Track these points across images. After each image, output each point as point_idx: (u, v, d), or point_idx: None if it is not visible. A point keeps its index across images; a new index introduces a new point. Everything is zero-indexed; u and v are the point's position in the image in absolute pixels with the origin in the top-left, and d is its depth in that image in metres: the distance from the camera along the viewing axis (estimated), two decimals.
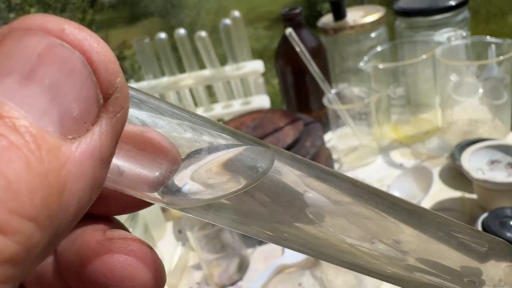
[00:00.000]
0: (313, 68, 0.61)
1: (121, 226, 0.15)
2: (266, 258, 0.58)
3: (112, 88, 0.10)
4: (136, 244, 0.13)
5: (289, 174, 0.14)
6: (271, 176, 0.13)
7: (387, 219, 0.14)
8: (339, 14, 0.77)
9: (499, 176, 0.54)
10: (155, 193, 0.12)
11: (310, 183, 0.14)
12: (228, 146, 0.13)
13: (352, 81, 0.83)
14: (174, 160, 0.12)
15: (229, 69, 0.79)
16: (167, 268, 0.60)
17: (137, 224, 0.57)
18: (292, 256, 0.56)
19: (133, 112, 0.12)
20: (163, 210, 0.69)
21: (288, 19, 0.73)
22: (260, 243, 0.61)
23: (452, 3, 0.73)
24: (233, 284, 0.56)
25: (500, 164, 0.56)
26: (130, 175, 0.12)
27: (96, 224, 0.14)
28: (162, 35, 0.76)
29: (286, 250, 0.57)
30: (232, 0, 5.25)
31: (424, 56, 0.66)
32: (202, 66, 0.82)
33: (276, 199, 0.14)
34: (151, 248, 0.14)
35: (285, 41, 0.76)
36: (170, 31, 0.79)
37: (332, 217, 0.14)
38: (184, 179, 0.13)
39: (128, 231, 0.14)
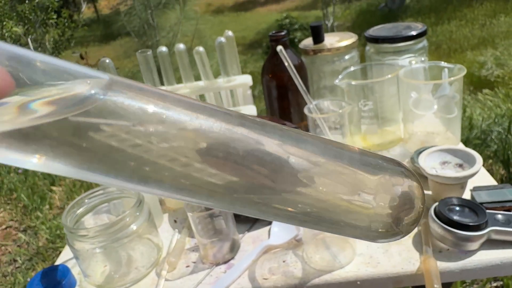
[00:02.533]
0: (298, 80, 0.72)
1: None
2: (255, 241, 0.67)
3: None
4: None
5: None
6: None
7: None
8: (318, 38, 0.89)
9: (449, 173, 0.65)
10: None
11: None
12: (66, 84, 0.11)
13: (328, 97, 0.94)
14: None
15: (221, 81, 0.89)
16: (167, 249, 0.68)
17: (143, 209, 0.65)
18: (278, 239, 0.66)
19: None
20: (161, 203, 0.77)
21: (275, 40, 0.84)
22: (250, 229, 0.70)
23: (414, 33, 0.86)
24: (226, 262, 0.65)
25: (450, 164, 0.67)
26: None
27: None
28: (163, 48, 0.86)
29: (272, 233, 0.67)
30: (208, 24, 5.41)
31: (389, 76, 0.78)
32: (197, 78, 0.91)
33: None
34: None
35: (271, 59, 0.87)
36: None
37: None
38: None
39: None
